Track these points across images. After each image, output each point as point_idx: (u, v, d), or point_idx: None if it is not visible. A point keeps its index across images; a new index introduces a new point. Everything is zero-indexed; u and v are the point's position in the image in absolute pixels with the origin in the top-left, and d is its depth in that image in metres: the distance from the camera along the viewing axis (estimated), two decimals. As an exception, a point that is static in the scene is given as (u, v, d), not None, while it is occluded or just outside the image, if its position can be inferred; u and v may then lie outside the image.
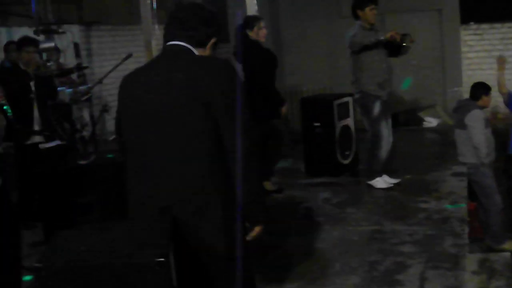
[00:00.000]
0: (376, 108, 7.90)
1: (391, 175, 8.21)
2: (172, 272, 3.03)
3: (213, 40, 3.63)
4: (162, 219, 3.33)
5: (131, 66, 9.80)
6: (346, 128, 8.85)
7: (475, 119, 8.28)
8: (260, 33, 7.71)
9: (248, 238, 3.60)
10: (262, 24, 7.75)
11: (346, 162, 8.87)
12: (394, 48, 7.96)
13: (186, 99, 3.33)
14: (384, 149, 8.02)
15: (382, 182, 8.05)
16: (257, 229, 3.59)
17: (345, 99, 8.94)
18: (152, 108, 3.39)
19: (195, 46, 3.54)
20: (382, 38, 7.68)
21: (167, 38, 3.58)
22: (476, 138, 8.25)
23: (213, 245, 3.41)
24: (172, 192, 3.38)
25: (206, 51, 3.62)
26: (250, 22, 7.74)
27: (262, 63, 7.72)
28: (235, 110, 3.37)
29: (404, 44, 7.87)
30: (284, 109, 8.11)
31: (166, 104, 3.36)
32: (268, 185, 7.96)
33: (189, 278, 3.50)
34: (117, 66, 8.96)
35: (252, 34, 7.68)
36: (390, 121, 8.14)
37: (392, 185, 8.07)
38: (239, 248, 3.55)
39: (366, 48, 7.75)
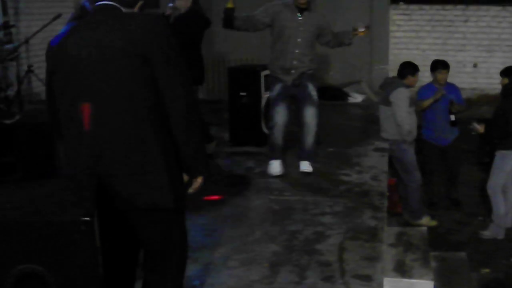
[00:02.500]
0: (274, 91, 7.52)
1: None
2: (96, 232, 3.02)
3: (140, 2, 3.62)
4: (88, 179, 3.31)
5: (59, 27, 9.67)
6: (272, 99, 8.86)
7: (400, 97, 8.38)
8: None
9: (190, 190, 3.61)
10: None
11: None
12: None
13: (122, 55, 3.31)
14: (275, 133, 7.51)
15: (273, 166, 7.62)
16: (198, 181, 3.61)
17: (273, 70, 8.93)
18: (88, 66, 3.34)
19: (123, 6, 3.51)
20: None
21: None
22: (399, 116, 8.36)
23: (162, 200, 3.42)
24: (111, 152, 3.36)
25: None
26: None
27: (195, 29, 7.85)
28: (174, 63, 3.38)
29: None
30: None
31: (102, 61, 3.33)
32: None
33: (123, 235, 3.51)
34: (45, 26, 8.81)
35: None
36: (307, 110, 7.42)
37: (274, 175, 7.52)
38: (184, 202, 3.57)
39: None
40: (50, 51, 3.51)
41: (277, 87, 7.48)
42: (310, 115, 7.43)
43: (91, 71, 3.34)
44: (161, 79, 3.33)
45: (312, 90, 7.47)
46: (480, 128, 8.43)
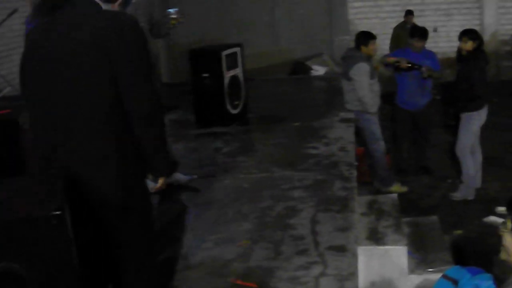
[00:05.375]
0: None
1: None
2: (69, 225, 3.02)
3: None
4: (57, 173, 3.30)
5: (15, 21, 9.57)
6: (235, 78, 8.84)
7: (360, 72, 8.42)
8: None
9: (152, 190, 3.65)
10: None
11: (235, 111, 8.88)
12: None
13: (87, 50, 3.31)
14: None
15: None
16: (160, 182, 3.64)
17: (234, 49, 8.92)
18: (55, 60, 3.36)
19: (103, 1, 3.52)
20: None
21: None
22: (360, 91, 8.41)
23: (109, 196, 3.42)
24: (70, 143, 3.37)
25: (114, 8, 3.61)
26: None
27: None
28: (137, 64, 3.38)
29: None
30: None
31: (68, 55, 3.34)
32: None
33: (87, 230, 3.49)
34: (3, 21, 8.75)
35: None
36: None
37: None
38: (138, 200, 3.57)
39: None
40: (26, 37, 3.57)
41: None
42: None
43: (57, 62, 3.35)
44: (123, 79, 3.35)
45: None
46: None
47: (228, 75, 8.66)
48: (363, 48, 8.53)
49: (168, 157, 3.73)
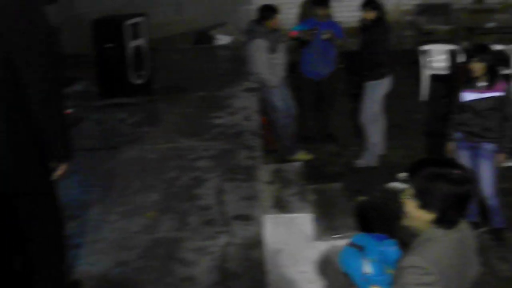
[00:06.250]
0: None
1: None
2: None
3: None
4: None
5: None
6: (138, 48, 8.72)
7: (255, 49, 8.43)
8: None
9: (55, 177, 3.57)
10: None
11: (140, 82, 8.78)
12: None
13: None
14: None
15: None
16: (62, 167, 3.58)
17: (137, 19, 8.78)
18: None
19: None
20: None
21: None
22: (257, 68, 8.43)
23: (4, 182, 3.33)
24: None
25: None
26: None
27: None
28: (34, 47, 3.28)
29: None
30: None
31: None
32: None
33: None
34: None
35: None
36: None
37: None
38: (38, 185, 3.50)
39: None
40: None
41: None
42: None
43: None
44: (20, 62, 3.24)
45: None
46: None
47: (131, 45, 8.54)
48: (267, 22, 8.52)
49: (69, 142, 3.65)
